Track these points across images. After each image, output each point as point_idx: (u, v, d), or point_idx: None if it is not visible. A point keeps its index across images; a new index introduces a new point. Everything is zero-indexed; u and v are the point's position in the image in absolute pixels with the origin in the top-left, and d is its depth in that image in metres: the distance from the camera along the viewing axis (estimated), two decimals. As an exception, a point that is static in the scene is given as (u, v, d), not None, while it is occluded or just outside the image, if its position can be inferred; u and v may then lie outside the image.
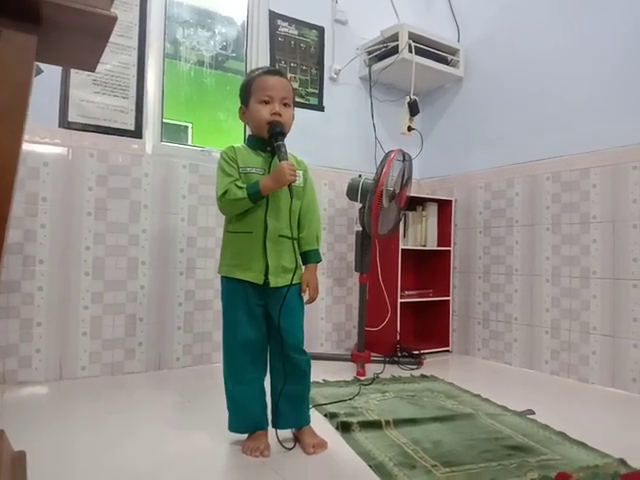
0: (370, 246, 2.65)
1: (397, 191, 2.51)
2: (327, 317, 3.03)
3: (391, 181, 2.47)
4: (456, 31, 3.19)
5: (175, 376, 2.39)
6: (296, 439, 1.54)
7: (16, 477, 0.87)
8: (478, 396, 2.09)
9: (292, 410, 1.53)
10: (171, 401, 1.97)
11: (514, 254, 2.77)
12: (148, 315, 2.45)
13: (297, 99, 2.82)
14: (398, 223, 2.67)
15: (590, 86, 2.45)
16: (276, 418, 1.54)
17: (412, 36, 2.88)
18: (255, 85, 1.53)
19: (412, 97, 2.93)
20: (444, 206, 3.14)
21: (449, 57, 3.10)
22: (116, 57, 2.40)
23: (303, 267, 1.58)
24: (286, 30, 2.93)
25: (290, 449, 1.49)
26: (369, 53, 3.11)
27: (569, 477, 1.26)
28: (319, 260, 1.60)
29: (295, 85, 2.93)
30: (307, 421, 1.56)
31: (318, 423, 1.64)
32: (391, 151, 2.50)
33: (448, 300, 3.09)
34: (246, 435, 1.52)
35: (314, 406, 1.84)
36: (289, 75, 2.90)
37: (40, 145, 2.22)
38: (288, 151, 1.50)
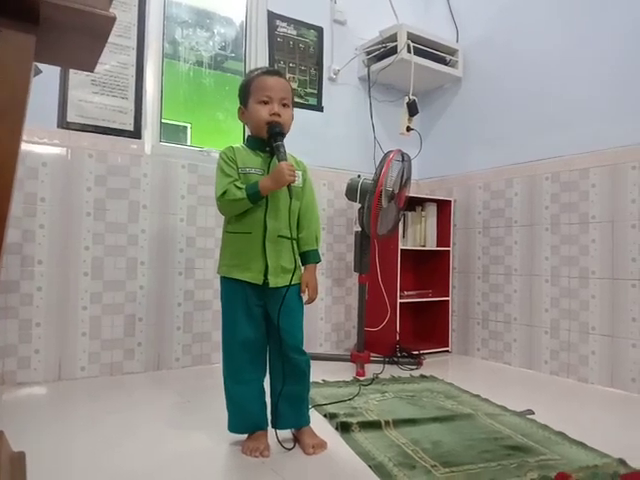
0: (369, 246, 2.65)
1: (396, 191, 2.51)
2: (326, 317, 3.03)
3: (390, 181, 2.47)
4: (455, 31, 3.20)
5: (174, 376, 2.39)
6: (296, 439, 1.54)
7: (15, 478, 0.87)
8: (477, 396, 2.09)
9: (292, 410, 1.53)
10: (170, 401, 1.97)
11: (513, 254, 2.77)
12: (147, 315, 2.45)
13: (296, 99, 2.82)
14: (397, 223, 2.67)
15: (589, 86, 2.45)
16: (276, 418, 1.54)
17: (411, 36, 2.88)
18: (254, 85, 1.53)
19: (411, 97, 2.93)
20: (443, 206, 3.15)
21: (448, 57, 3.10)
22: (115, 57, 2.39)
23: (302, 267, 1.58)
24: (285, 30, 2.93)
25: (290, 449, 1.49)
26: (368, 53, 3.11)
27: (568, 477, 1.26)
28: (318, 260, 1.60)
29: (294, 85, 2.93)
30: (307, 421, 1.56)
31: (318, 423, 1.64)
32: (390, 151, 2.50)
33: (447, 300, 3.09)
34: (246, 435, 1.52)
35: (314, 406, 1.84)
36: (288, 75, 2.90)
37: (39, 145, 2.21)
38: (287, 151, 1.50)
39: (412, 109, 2.93)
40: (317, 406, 1.87)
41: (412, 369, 2.59)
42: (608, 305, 2.33)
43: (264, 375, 1.57)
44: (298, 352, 1.52)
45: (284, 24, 2.93)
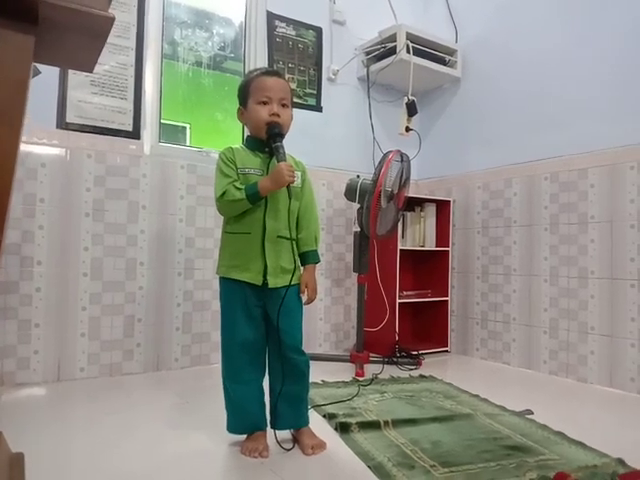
0: (368, 246, 2.65)
1: (395, 192, 2.51)
2: (326, 318, 3.03)
3: (389, 182, 2.47)
4: (454, 32, 3.20)
5: (173, 377, 2.39)
6: (295, 440, 1.54)
7: (14, 479, 0.87)
8: (477, 396, 2.09)
9: (291, 411, 1.53)
10: (169, 402, 1.97)
11: (512, 254, 2.78)
12: (146, 316, 2.45)
13: (295, 100, 2.82)
14: (396, 223, 2.67)
15: (588, 86, 2.45)
16: (275, 419, 1.54)
17: (410, 37, 2.89)
18: (253, 86, 1.53)
19: (410, 97, 2.93)
20: (442, 206, 3.15)
21: (447, 58, 3.10)
22: (114, 58, 2.39)
23: (301, 268, 1.58)
24: (284, 31, 2.93)
25: (289, 450, 1.49)
26: (367, 54, 3.11)
27: (567, 477, 1.26)
28: (318, 261, 1.60)
29: (293, 86, 2.93)
30: (306, 422, 1.56)
31: (317, 424, 1.64)
32: (389, 151, 2.50)
33: (446, 300, 3.09)
34: (245, 436, 1.52)
35: (313, 407, 1.84)
36: (287, 76, 2.91)
37: (38, 146, 2.21)
38: (286, 152, 1.50)
39: (411, 109, 2.93)
40: (316, 406, 1.87)
41: (411, 369, 2.59)
42: (607, 305, 2.33)
43: (263, 375, 1.57)
44: (297, 352, 1.52)
45: (283, 24, 2.93)
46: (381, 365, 2.56)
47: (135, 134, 2.45)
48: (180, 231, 2.56)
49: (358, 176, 2.66)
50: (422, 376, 2.43)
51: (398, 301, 2.86)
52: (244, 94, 1.56)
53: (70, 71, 2.28)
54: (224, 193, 1.46)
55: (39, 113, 2.11)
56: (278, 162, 1.45)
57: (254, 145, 1.56)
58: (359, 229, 2.62)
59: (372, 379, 2.32)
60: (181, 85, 2.82)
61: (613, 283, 2.31)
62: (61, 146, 2.27)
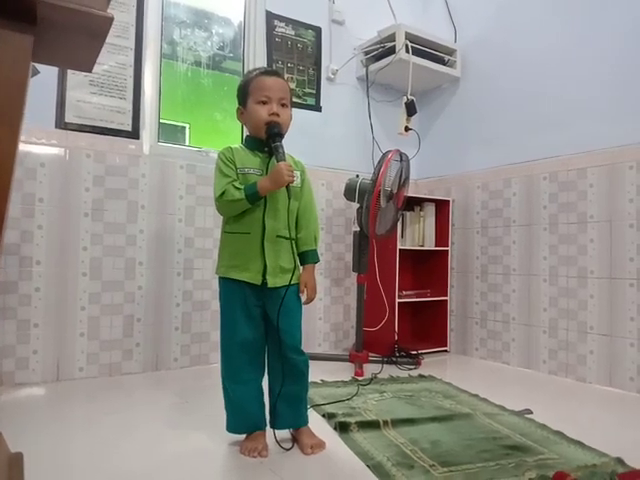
0: (368, 246, 2.65)
1: (395, 191, 2.51)
2: (325, 317, 3.03)
3: (389, 181, 2.47)
4: (453, 31, 3.20)
5: (173, 377, 2.39)
6: (294, 439, 1.54)
7: (13, 479, 0.87)
8: (476, 396, 2.09)
9: (290, 410, 1.53)
10: (169, 402, 1.97)
11: (511, 254, 2.78)
12: (146, 316, 2.45)
13: (294, 99, 2.82)
14: (396, 223, 2.67)
15: (587, 86, 2.45)
16: (274, 418, 1.54)
17: (409, 36, 2.89)
18: (253, 86, 1.52)
19: (409, 97, 2.93)
20: (442, 206, 3.15)
21: (446, 57, 3.10)
22: (113, 58, 2.39)
23: (301, 267, 1.58)
24: (283, 30, 2.93)
25: (288, 449, 1.49)
26: (366, 53, 3.11)
27: (567, 476, 1.26)
28: (317, 260, 1.60)
29: (292, 85, 2.93)
30: (305, 421, 1.56)
31: (316, 423, 1.64)
32: (388, 151, 2.50)
33: (446, 300, 3.09)
34: (244, 435, 1.52)
35: (312, 406, 1.84)
36: (286, 75, 2.91)
37: (37, 146, 2.21)
38: (286, 152, 1.50)
39: (410, 109, 2.93)
40: (315, 406, 1.87)
41: (410, 369, 2.59)
42: (606, 304, 2.33)
43: (262, 375, 1.57)
44: (296, 352, 1.52)
45: (282, 24, 2.93)
46: (380, 365, 2.56)
47: (134, 134, 2.45)
48: (179, 231, 2.56)
49: (357, 176, 2.66)
50: (421, 376, 2.43)
51: (397, 301, 2.86)
52: (243, 94, 1.56)
53: (69, 71, 2.28)
54: (223, 193, 1.46)
55: (38, 113, 2.11)
56: (277, 162, 1.45)
57: (253, 145, 1.56)
58: (358, 229, 2.62)
59: (371, 379, 2.32)
60: (180, 85, 2.82)
61: (612, 283, 2.32)
62: (60, 146, 2.27)
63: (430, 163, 3.34)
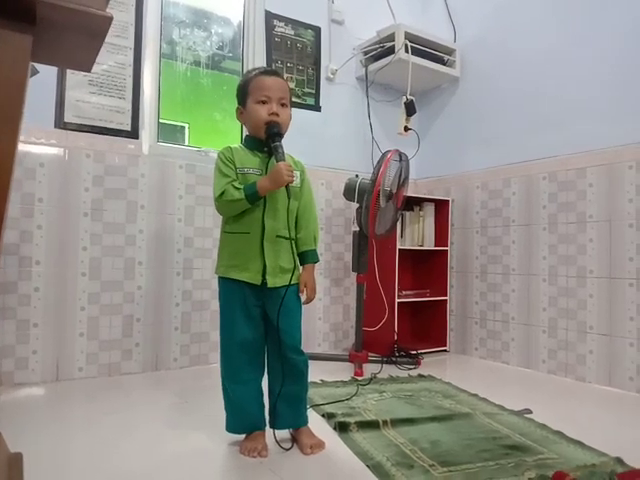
0: (367, 246, 2.65)
1: (394, 191, 2.51)
2: (325, 317, 3.03)
3: (388, 181, 2.47)
4: (452, 31, 3.20)
5: (172, 377, 2.39)
6: (294, 439, 1.54)
7: (13, 479, 0.87)
8: (475, 395, 2.09)
9: (290, 410, 1.53)
10: (168, 402, 1.97)
11: (511, 254, 2.78)
12: (145, 316, 2.45)
13: (294, 99, 2.82)
14: (395, 223, 2.67)
15: (586, 86, 2.46)
16: (274, 418, 1.54)
17: (408, 36, 2.89)
18: (252, 85, 1.52)
19: (409, 97, 2.93)
20: (441, 206, 3.15)
21: (445, 57, 3.10)
22: (112, 57, 2.39)
23: (300, 267, 1.58)
24: (282, 30, 2.93)
25: (288, 449, 1.49)
26: (365, 53, 3.11)
27: (566, 476, 1.26)
28: (317, 260, 1.60)
29: (292, 85, 2.93)
30: (305, 421, 1.56)
31: (316, 423, 1.64)
32: (388, 151, 2.50)
33: (445, 300, 3.09)
34: (244, 436, 1.52)
35: (312, 406, 1.84)
36: (286, 75, 2.90)
37: (36, 146, 2.21)
38: (285, 151, 1.50)
39: (410, 109, 2.93)
40: (315, 406, 1.87)
41: (410, 369, 2.59)
42: (606, 304, 2.33)
43: (262, 375, 1.57)
44: (296, 352, 1.52)
45: (282, 24, 2.93)
46: (380, 364, 2.56)
47: (133, 134, 2.45)
48: (179, 231, 2.56)
49: (357, 175, 2.66)
50: (421, 375, 2.43)
51: (397, 300, 2.86)
52: (243, 94, 1.55)
53: (68, 71, 2.27)
54: (223, 193, 1.46)
55: (37, 113, 2.11)
56: (277, 162, 1.45)
57: (253, 145, 1.56)
58: (358, 229, 2.62)
59: (371, 379, 2.32)
60: (179, 85, 2.81)
61: (612, 282, 2.32)
62: (59, 146, 2.27)
63: (429, 163, 3.34)
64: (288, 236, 1.51)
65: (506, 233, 2.81)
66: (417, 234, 3.10)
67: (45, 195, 2.22)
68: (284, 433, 1.56)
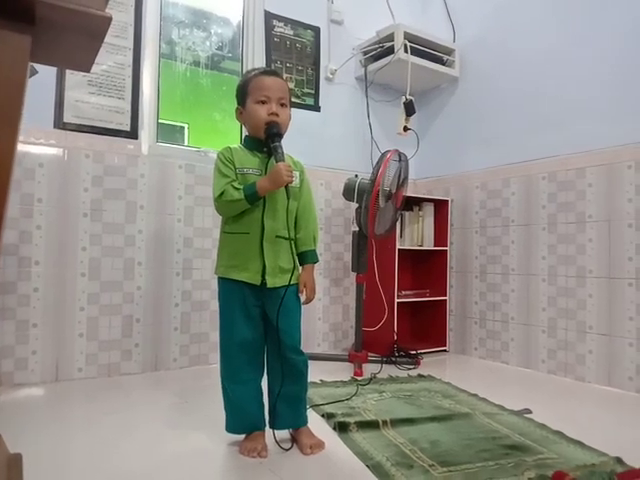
0: (367, 246, 2.65)
1: (393, 191, 2.51)
2: (324, 317, 3.03)
3: (387, 181, 2.47)
4: (452, 31, 3.20)
5: (172, 377, 2.39)
6: (293, 439, 1.54)
7: None
8: (475, 395, 2.09)
9: (289, 410, 1.53)
10: (168, 402, 1.97)
11: (510, 254, 2.78)
12: (145, 316, 2.45)
13: (293, 99, 2.82)
14: (395, 223, 2.67)
15: (585, 86, 2.46)
16: (273, 419, 1.54)
17: (408, 36, 2.89)
18: (252, 85, 1.52)
19: (408, 97, 2.93)
20: (440, 206, 3.15)
21: (445, 57, 3.10)
22: (111, 58, 2.39)
23: (300, 268, 1.58)
24: (282, 30, 2.93)
25: (287, 450, 1.49)
26: (365, 53, 3.11)
27: (566, 476, 1.26)
28: (316, 260, 1.60)
29: (291, 85, 2.93)
30: (304, 421, 1.56)
31: (315, 423, 1.64)
32: (387, 151, 2.50)
33: (445, 300, 3.09)
34: (243, 436, 1.52)
35: (311, 406, 1.84)
36: (285, 75, 2.90)
37: (35, 146, 2.21)
38: (284, 152, 1.50)
39: (409, 109, 2.93)
40: (315, 406, 1.87)
41: (410, 369, 2.59)
42: (605, 304, 2.34)
43: (262, 375, 1.57)
44: (296, 352, 1.52)
45: (281, 24, 2.93)
46: (380, 365, 2.56)
47: (133, 134, 2.45)
48: (178, 231, 2.56)
49: (356, 176, 2.66)
50: (420, 375, 2.43)
51: (397, 301, 2.86)
52: (242, 94, 1.56)
53: (67, 71, 2.27)
54: (222, 193, 1.46)
55: (36, 113, 2.11)
56: (276, 162, 1.45)
57: (252, 145, 1.56)
58: (357, 229, 2.62)
59: (371, 379, 2.32)
60: (179, 85, 2.81)
61: (611, 282, 2.32)
62: (59, 146, 2.27)
63: (429, 163, 3.34)
64: (287, 236, 1.51)
65: (505, 233, 2.81)
66: (416, 234, 3.10)
67: (44, 195, 2.22)
68: (284, 433, 1.56)
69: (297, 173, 1.56)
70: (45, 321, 2.21)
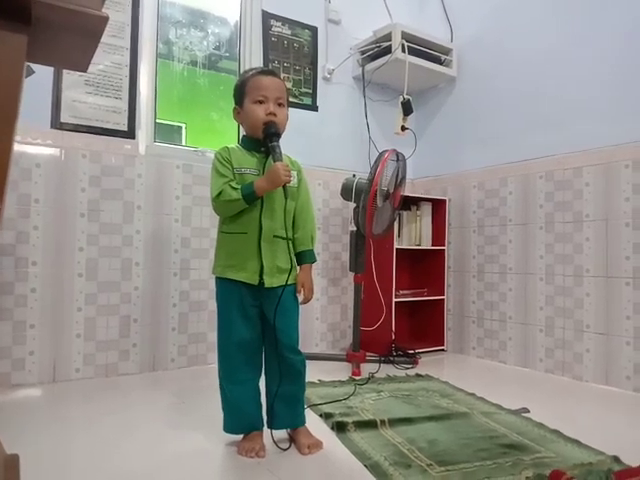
0: (365, 246, 2.65)
1: (391, 191, 2.51)
2: (322, 317, 3.03)
3: (385, 181, 2.47)
4: (449, 31, 3.20)
5: (170, 377, 2.38)
6: (291, 439, 1.54)
7: (9, 481, 0.86)
8: (473, 395, 2.10)
9: (287, 410, 1.53)
10: (166, 402, 1.97)
11: (508, 253, 2.78)
12: (142, 316, 2.44)
13: (291, 99, 2.81)
14: (392, 223, 2.68)
15: (582, 86, 2.46)
16: (271, 418, 1.54)
17: (405, 36, 2.89)
18: (249, 85, 1.52)
19: (405, 97, 2.93)
20: (438, 205, 3.15)
21: (442, 57, 3.10)
22: (108, 57, 2.39)
23: (298, 267, 1.58)
24: (279, 30, 2.93)
25: (285, 449, 1.49)
26: (362, 53, 3.11)
27: (563, 475, 1.26)
28: (314, 260, 1.60)
29: (288, 85, 2.92)
30: (302, 421, 1.56)
31: (313, 423, 1.64)
32: (385, 151, 2.50)
33: (443, 299, 3.09)
34: (241, 436, 1.52)
35: (309, 406, 1.83)
36: (282, 75, 2.90)
37: (32, 146, 2.20)
38: (282, 151, 1.50)
39: (407, 108, 2.93)
40: (313, 406, 1.87)
41: (408, 368, 2.60)
42: (602, 303, 2.34)
43: (259, 375, 1.57)
44: (293, 352, 1.52)
45: (278, 24, 2.93)
46: (377, 364, 2.57)
47: (130, 134, 2.45)
48: (176, 231, 2.55)
49: (354, 175, 2.66)
50: (418, 375, 2.43)
51: (394, 300, 2.86)
52: (240, 93, 1.55)
53: (64, 71, 2.27)
54: (220, 193, 1.46)
55: (33, 113, 2.10)
56: (274, 162, 1.45)
57: (250, 145, 1.55)
58: (355, 228, 2.62)
59: (368, 378, 2.32)
60: (176, 85, 2.81)
61: (608, 281, 2.32)
62: (55, 146, 2.26)
63: (426, 162, 3.34)
64: (285, 236, 1.51)
65: (503, 232, 2.82)
66: (414, 234, 3.11)
67: (41, 196, 2.22)
68: (282, 433, 1.56)
69: (295, 173, 1.56)
70: (42, 322, 2.21)
